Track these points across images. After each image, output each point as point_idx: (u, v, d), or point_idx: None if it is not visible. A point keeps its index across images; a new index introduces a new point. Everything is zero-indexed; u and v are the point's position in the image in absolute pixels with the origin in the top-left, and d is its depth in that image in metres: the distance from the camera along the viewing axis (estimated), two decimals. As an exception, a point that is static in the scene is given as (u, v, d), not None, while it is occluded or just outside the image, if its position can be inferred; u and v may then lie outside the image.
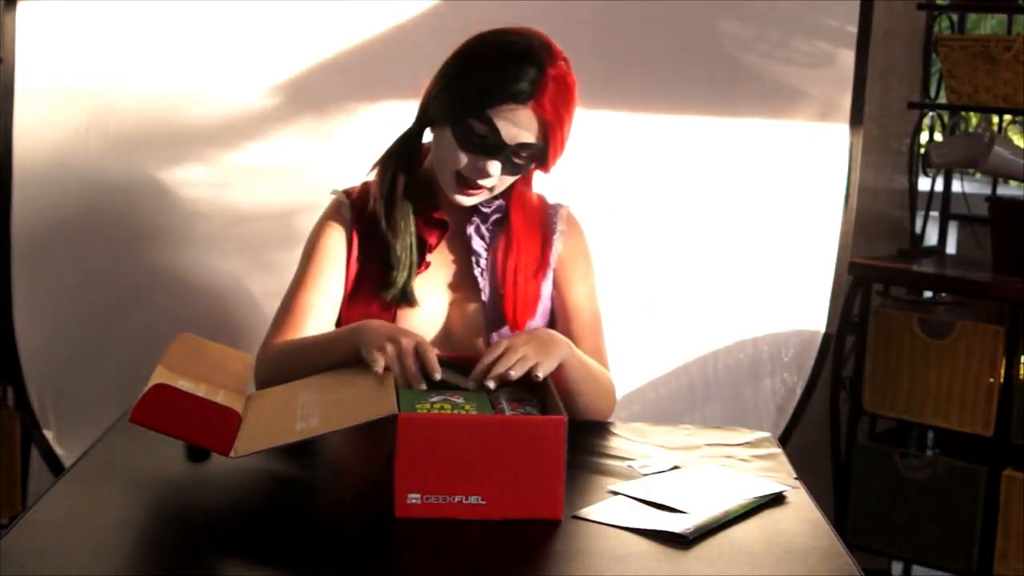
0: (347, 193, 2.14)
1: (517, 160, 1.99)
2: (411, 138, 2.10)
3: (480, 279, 2.08)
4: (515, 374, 1.80)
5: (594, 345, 2.12)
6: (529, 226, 2.11)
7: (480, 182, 1.99)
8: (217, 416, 1.66)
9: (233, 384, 1.87)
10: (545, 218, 2.14)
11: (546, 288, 2.12)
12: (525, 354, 1.83)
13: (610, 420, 2.08)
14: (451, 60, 2.04)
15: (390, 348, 1.80)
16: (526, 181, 2.12)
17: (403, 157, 2.09)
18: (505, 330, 2.06)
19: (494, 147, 1.96)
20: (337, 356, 1.90)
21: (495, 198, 2.08)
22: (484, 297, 2.07)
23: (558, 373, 1.90)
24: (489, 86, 1.95)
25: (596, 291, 2.16)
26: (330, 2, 2.77)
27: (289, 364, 1.96)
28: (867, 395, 3.19)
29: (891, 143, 3.44)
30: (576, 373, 1.95)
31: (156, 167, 2.78)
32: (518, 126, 1.96)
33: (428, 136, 2.11)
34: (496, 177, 1.99)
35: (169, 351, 1.85)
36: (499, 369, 1.80)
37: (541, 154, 2.01)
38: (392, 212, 2.05)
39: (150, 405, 1.63)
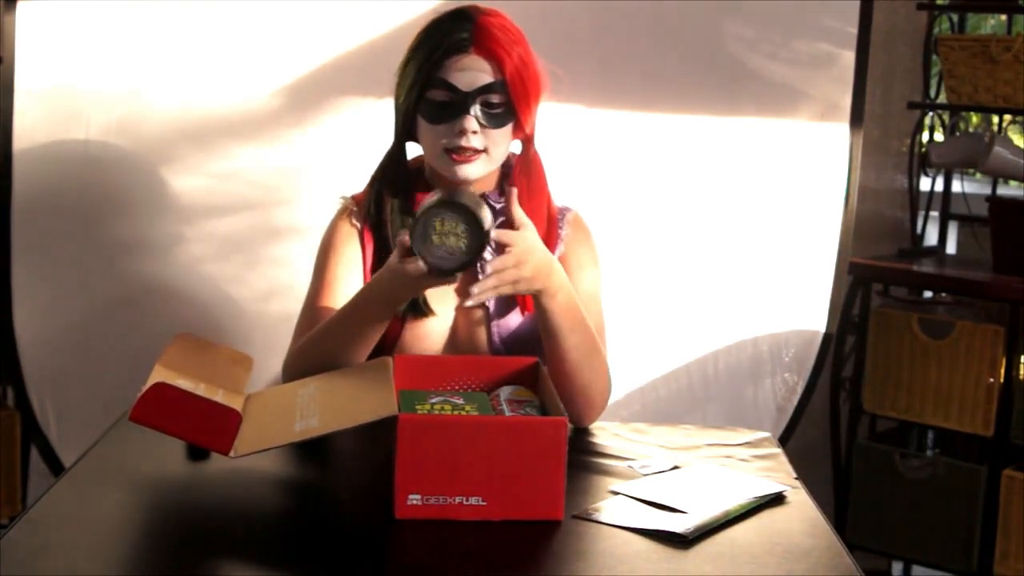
0: (354, 198, 2.13)
1: (489, 109, 1.98)
2: (393, 156, 2.09)
3: None
4: (493, 295, 1.85)
5: None
6: None
7: (462, 143, 1.97)
8: (217, 415, 1.65)
9: (232, 384, 1.86)
10: (551, 222, 2.11)
11: None
12: (518, 280, 1.83)
13: (610, 420, 2.07)
14: (401, 61, 2.06)
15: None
16: (526, 172, 2.08)
17: (386, 179, 2.08)
18: (506, 327, 2.06)
19: (460, 104, 1.97)
20: (362, 320, 1.90)
21: (500, 195, 2.06)
22: (489, 303, 2.06)
23: (544, 306, 1.89)
24: (430, 51, 1.98)
25: (599, 299, 2.10)
26: (321, 4, 2.77)
27: (318, 351, 1.93)
28: (867, 395, 3.18)
29: (891, 143, 3.44)
30: (561, 316, 1.90)
31: (156, 167, 2.78)
32: (471, 70, 1.97)
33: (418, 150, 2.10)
34: (477, 133, 1.97)
35: (167, 350, 1.84)
36: (488, 286, 1.80)
37: (509, 97, 1.99)
38: (383, 232, 2.04)
39: (150, 403, 1.63)
